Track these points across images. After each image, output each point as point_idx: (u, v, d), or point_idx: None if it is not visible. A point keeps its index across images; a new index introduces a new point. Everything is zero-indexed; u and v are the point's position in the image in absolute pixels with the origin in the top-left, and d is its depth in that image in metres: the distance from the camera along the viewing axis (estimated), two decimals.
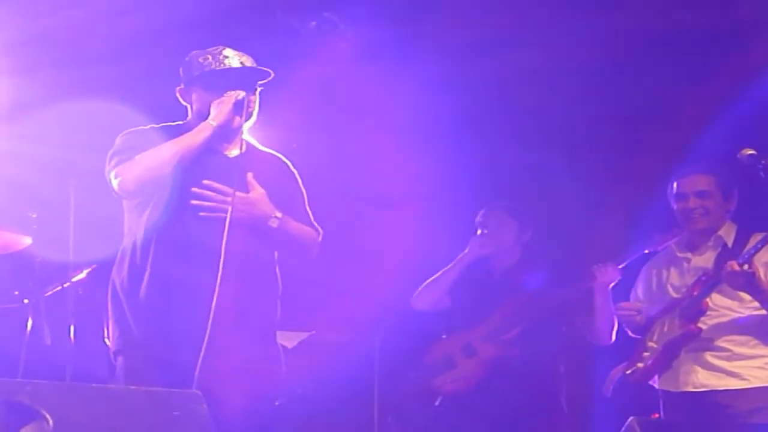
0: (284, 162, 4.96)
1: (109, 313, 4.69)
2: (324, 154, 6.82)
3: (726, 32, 6.81)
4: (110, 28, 6.63)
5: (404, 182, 7.23)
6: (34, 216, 5.92)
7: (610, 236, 6.74)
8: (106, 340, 5.20)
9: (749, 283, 5.39)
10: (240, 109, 4.66)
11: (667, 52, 7.04)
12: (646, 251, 6.00)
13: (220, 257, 4.41)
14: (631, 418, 5.85)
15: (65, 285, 5.91)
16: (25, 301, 5.98)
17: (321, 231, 4.92)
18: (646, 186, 6.58)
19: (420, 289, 6.43)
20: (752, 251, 5.40)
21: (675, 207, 5.80)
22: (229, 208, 4.50)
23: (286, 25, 6.93)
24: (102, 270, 6.46)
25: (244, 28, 6.36)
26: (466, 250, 6.37)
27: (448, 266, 6.38)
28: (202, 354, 4.34)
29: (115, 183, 4.62)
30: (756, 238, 5.50)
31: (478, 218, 6.40)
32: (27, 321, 5.94)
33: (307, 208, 4.92)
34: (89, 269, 6.41)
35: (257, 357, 4.64)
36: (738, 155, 5.24)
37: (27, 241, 6.10)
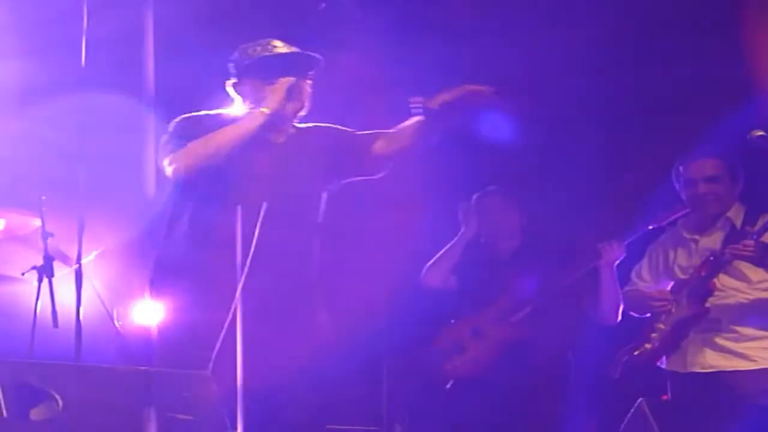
0: (327, 126, 4.95)
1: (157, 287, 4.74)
2: None
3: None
4: (124, 15, 6.63)
5: (411, 166, 7.22)
6: (44, 198, 5.91)
7: (615, 213, 6.73)
8: (116, 322, 5.20)
9: (764, 257, 5.39)
10: (292, 95, 4.68)
11: (674, 34, 7.02)
12: (651, 227, 6.00)
13: (254, 248, 4.38)
14: (640, 399, 5.88)
15: (74, 267, 5.89)
16: (34, 283, 5.97)
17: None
18: (652, 164, 6.58)
19: (428, 266, 6.44)
20: (762, 229, 5.41)
21: (684, 193, 5.80)
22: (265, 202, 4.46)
23: (294, 7, 6.92)
24: (110, 253, 6.48)
25: (255, 14, 6.37)
26: (463, 229, 6.40)
27: (450, 244, 6.40)
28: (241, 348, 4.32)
29: (168, 170, 4.67)
30: (764, 219, 5.51)
31: (472, 202, 6.41)
32: (35, 303, 5.93)
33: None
34: (98, 251, 6.41)
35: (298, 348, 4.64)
36: (748, 136, 5.24)
37: (36, 223, 6.10)
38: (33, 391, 3.66)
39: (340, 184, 4.94)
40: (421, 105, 4.61)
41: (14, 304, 6.40)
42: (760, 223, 5.51)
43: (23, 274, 6.14)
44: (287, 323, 4.62)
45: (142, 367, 4.15)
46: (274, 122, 4.71)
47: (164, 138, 4.75)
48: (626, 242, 6.05)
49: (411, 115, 4.76)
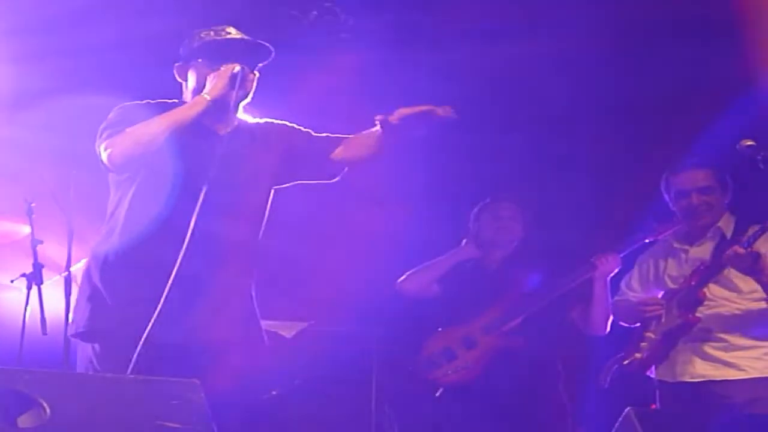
0: (269, 122, 4.86)
1: (81, 293, 4.60)
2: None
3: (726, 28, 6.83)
4: (114, 20, 6.63)
5: (405, 174, 7.22)
6: (34, 205, 5.90)
7: (610, 226, 6.74)
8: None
9: (755, 265, 5.40)
10: (235, 82, 4.51)
11: (669, 45, 7.04)
12: (647, 240, 6.02)
13: (194, 237, 4.32)
14: (628, 408, 5.87)
15: (63, 275, 5.88)
16: (23, 290, 5.97)
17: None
18: (647, 176, 6.58)
19: (408, 273, 6.44)
20: (752, 239, 5.41)
21: (676, 204, 5.81)
22: (203, 189, 4.38)
23: (287, 15, 6.93)
24: None
25: (246, 19, 6.36)
26: (463, 245, 6.39)
27: (442, 257, 6.40)
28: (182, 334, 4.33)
29: (104, 155, 4.49)
30: (753, 229, 5.52)
31: (485, 208, 6.38)
32: (24, 310, 5.93)
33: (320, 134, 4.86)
34: (88, 258, 6.39)
35: (237, 334, 4.59)
36: (737, 146, 5.24)
37: (26, 230, 6.09)
38: (21, 398, 3.65)
39: (291, 183, 4.85)
40: (381, 118, 4.58)
41: (3, 311, 6.39)
42: (749, 233, 5.52)
43: (12, 281, 6.14)
44: (215, 312, 4.52)
45: (130, 375, 4.14)
46: (216, 110, 4.54)
47: (102, 125, 4.58)
48: (622, 255, 6.06)
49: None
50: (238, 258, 4.61)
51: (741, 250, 5.39)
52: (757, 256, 5.40)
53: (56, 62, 6.60)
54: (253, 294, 4.70)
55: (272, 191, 4.77)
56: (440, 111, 4.52)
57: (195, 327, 4.42)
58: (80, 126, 5.13)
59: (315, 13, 6.92)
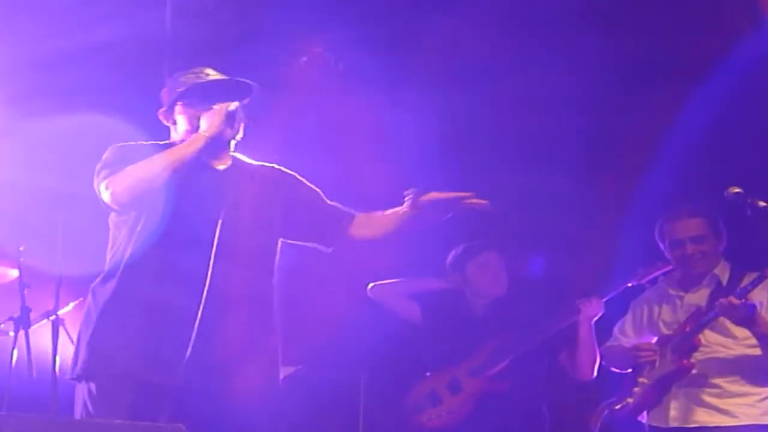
0: (276, 168, 4.87)
1: (81, 334, 4.55)
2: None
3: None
4: (97, 60, 6.65)
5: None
6: (22, 249, 5.90)
7: (593, 270, 6.75)
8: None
9: (749, 316, 5.41)
10: (232, 120, 4.59)
11: (658, 79, 7.10)
12: (630, 284, 6.03)
13: (206, 282, 4.35)
14: None
15: (51, 318, 5.88)
16: (11, 333, 5.96)
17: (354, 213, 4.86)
18: (630, 218, 6.63)
19: (383, 282, 6.48)
20: (749, 287, 5.43)
21: (671, 253, 5.82)
22: (217, 232, 4.43)
23: (275, 57, 6.96)
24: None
25: (234, 58, 6.39)
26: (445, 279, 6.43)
27: (420, 280, 6.44)
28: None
29: (105, 195, 4.49)
30: (750, 277, 5.53)
31: (469, 258, 6.38)
32: (12, 353, 5.92)
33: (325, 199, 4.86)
34: (76, 302, 6.39)
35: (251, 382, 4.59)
36: (725, 194, 5.26)
37: (14, 273, 6.09)
38: None
39: (293, 236, 4.83)
40: (412, 197, 4.62)
41: None
42: (745, 281, 5.53)
43: (8, 331, 6.12)
44: (227, 358, 4.49)
45: (118, 420, 4.13)
46: (213, 148, 4.60)
47: (99, 165, 4.58)
48: (605, 299, 6.07)
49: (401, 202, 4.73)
50: (252, 302, 4.60)
51: (736, 301, 5.40)
52: (753, 308, 5.40)
53: (42, 103, 6.62)
54: (275, 337, 4.69)
55: (279, 240, 4.77)
56: (474, 200, 4.60)
57: (206, 369, 4.41)
58: (68, 167, 5.13)
59: (305, 59, 6.95)
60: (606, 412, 5.87)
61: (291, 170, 4.87)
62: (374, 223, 4.82)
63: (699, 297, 5.75)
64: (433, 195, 4.63)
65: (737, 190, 5.24)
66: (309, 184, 4.87)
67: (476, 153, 7.53)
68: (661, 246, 5.89)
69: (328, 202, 4.86)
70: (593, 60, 7.03)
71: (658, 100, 7.06)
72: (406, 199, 4.66)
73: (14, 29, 6.57)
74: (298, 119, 6.88)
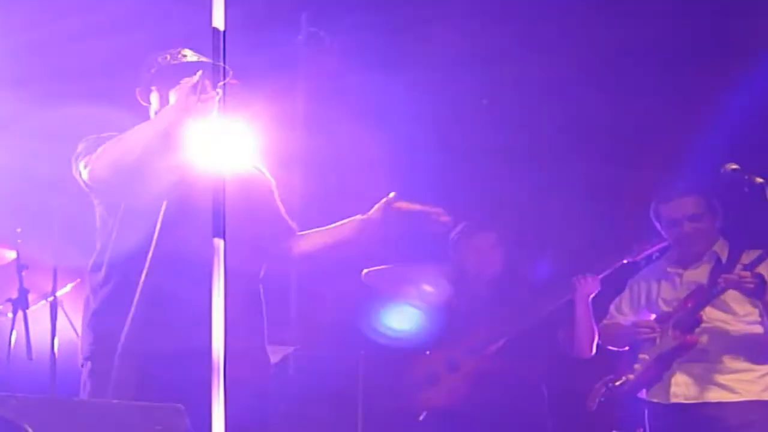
0: (263, 171, 4.88)
1: (83, 319, 4.62)
2: (309, 164, 6.85)
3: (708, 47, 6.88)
4: (99, 43, 6.64)
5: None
6: (19, 230, 5.91)
7: (590, 246, 6.76)
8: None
9: (761, 286, 5.41)
10: (196, 89, 4.45)
11: (651, 66, 7.09)
12: (625, 261, 6.04)
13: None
14: None
15: (49, 299, 5.89)
16: (9, 315, 5.97)
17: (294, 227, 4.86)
18: (626, 197, 6.62)
19: (378, 267, 6.50)
20: (755, 262, 5.44)
21: (668, 232, 5.82)
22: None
23: (272, 38, 6.95)
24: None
25: (231, 41, 6.37)
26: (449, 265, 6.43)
27: (415, 264, 6.45)
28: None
29: (85, 174, 4.50)
30: (749, 255, 5.56)
31: (464, 239, 6.38)
32: (10, 335, 5.93)
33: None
34: (73, 283, 6.40)
35: (244, 368, 4.58)
36: (721, 170, 5.26)
37: (11, 255, 6.10)
38: (6, 424, 3.64)
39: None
40: (390, 201, 4.60)
41: None
42: (743, 259, 5.55)
43: (6, 313, 6.13)
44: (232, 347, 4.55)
45: (116, 401, 4.14)
46: (185, 122, 4.53)
47: (74, 156, 4.59)
48: (601, 276, 6.08)
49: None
50: (244, 282, 4.60)
51: (746, 273, 5.41)
52: (763, 278, 5.42)
53: (40, 86, 6.60)
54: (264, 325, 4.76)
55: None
56: (441, 217, 4.60)
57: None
58: (65, 150, 5.13)
59: (301, 37, 6.94)
60: (604, 389, 5.88)
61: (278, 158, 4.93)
62: (327, 236, 4.83)
63: (699, 274, 5.76)
64: (403, 205, 4.61)
65: (734, 166, 5.24)
66: (276, 194, 4.88)
67: (469, 136, 7.53)
68: (658, 226, 5.89)
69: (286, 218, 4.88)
70: (599, 48, 7.02)
71: (656, 85, 7.07)
72: (378, 203, 4.64)
73: (12, 12, 6.55)
74: (292, 99, 6.86)
